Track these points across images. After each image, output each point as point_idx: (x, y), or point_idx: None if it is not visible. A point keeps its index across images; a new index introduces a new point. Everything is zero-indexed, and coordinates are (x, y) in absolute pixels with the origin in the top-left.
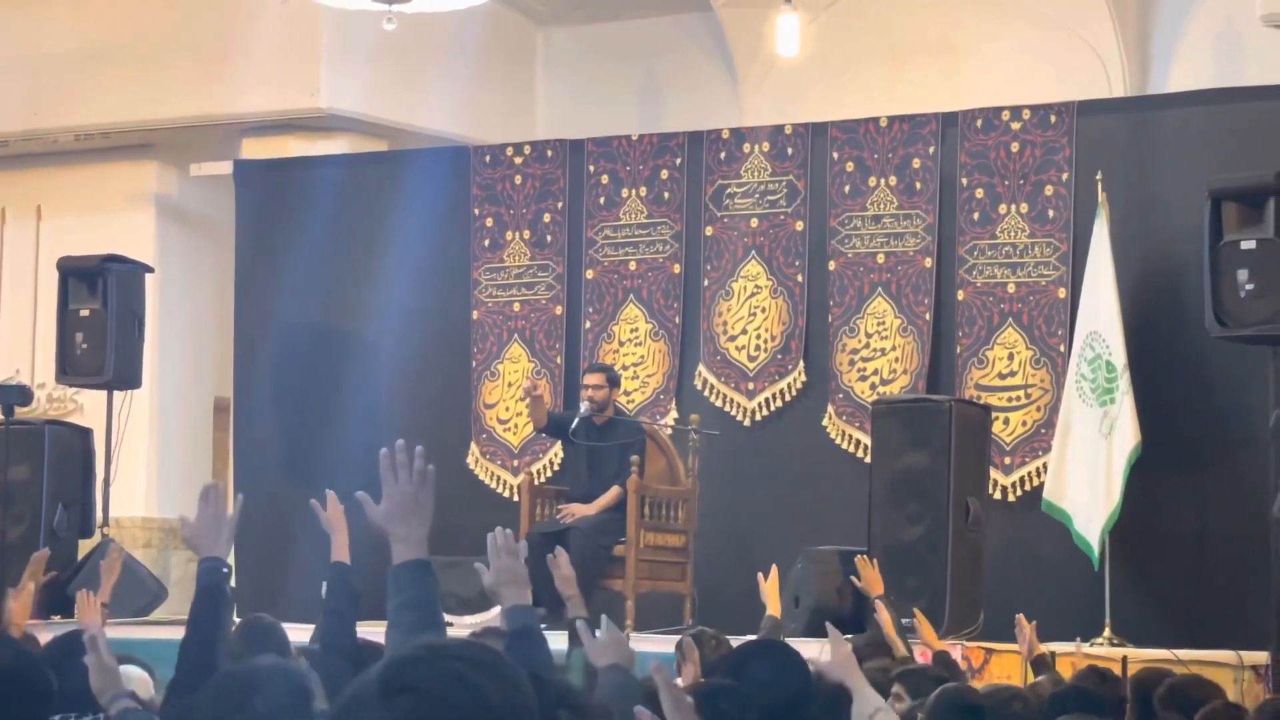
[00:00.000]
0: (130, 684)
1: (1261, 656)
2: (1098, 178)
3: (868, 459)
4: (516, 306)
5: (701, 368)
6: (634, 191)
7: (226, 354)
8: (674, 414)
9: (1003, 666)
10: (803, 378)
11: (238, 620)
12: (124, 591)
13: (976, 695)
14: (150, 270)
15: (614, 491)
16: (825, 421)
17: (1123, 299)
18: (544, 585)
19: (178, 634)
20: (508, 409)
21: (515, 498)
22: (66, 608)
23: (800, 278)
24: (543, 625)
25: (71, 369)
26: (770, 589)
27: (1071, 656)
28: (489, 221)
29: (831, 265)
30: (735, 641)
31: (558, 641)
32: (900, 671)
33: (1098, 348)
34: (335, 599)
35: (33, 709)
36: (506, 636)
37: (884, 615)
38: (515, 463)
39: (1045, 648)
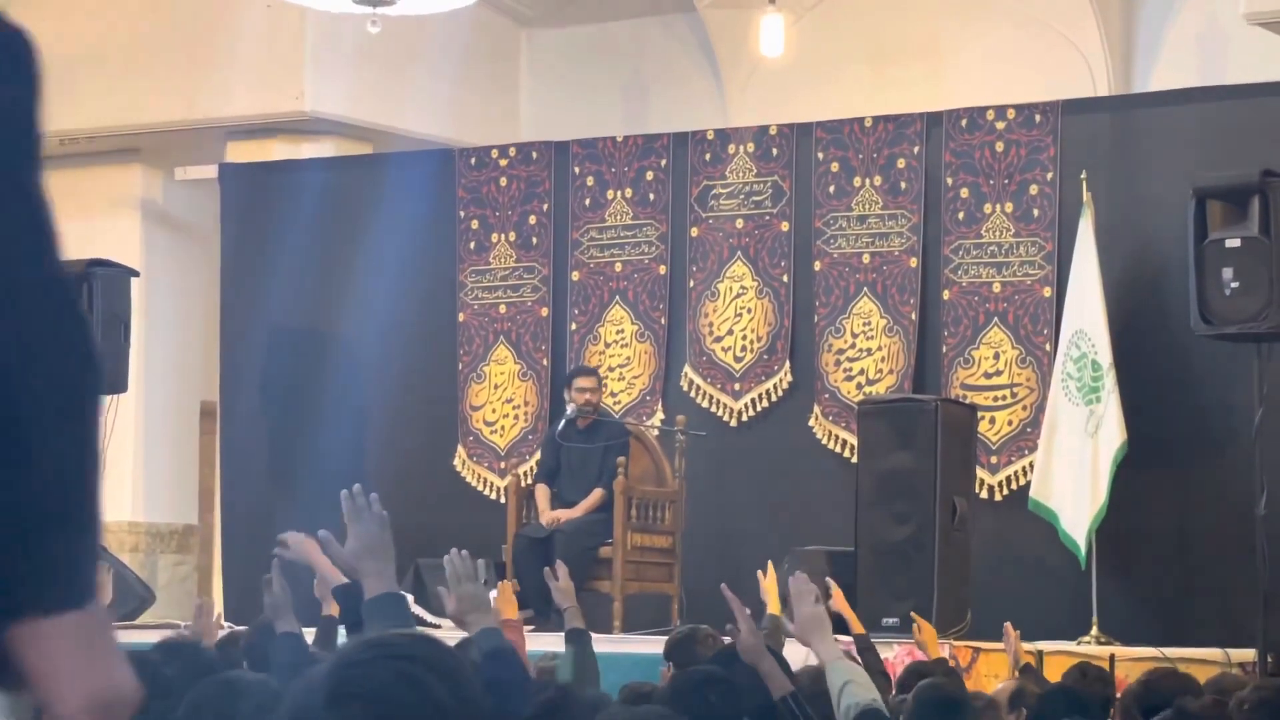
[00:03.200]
0: None
1: (1248, 654)
2: (1082, 177)
3: (854, 459)
4: (502, 309)
5: (687, 369)
6: (619, 193)
7: (212, 358)
8: (660, 415)
9: (990, 665)
10: (789, 378)
11: (247, 626)
12: (112, 596)
13: (962, 691)
14: (136, 274)
15: (597, 494)
16: (812, 422)
17: (1108, 298)
18: (531, 587)
19: (165, 638)
20: (494, 411)
21: (502, 500)
22: None
23: (786, 278)
24: (530, 628)
25: None
26: (770, 586)
27: (1059, 655)
28: (474, 224)
29: (817, 265)
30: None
31: (546, 643)
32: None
33: (1083, 346)
34: (358, 620)
35: None
36: (480, 659)
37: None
38: (502, 465)
39: (1036, 647)
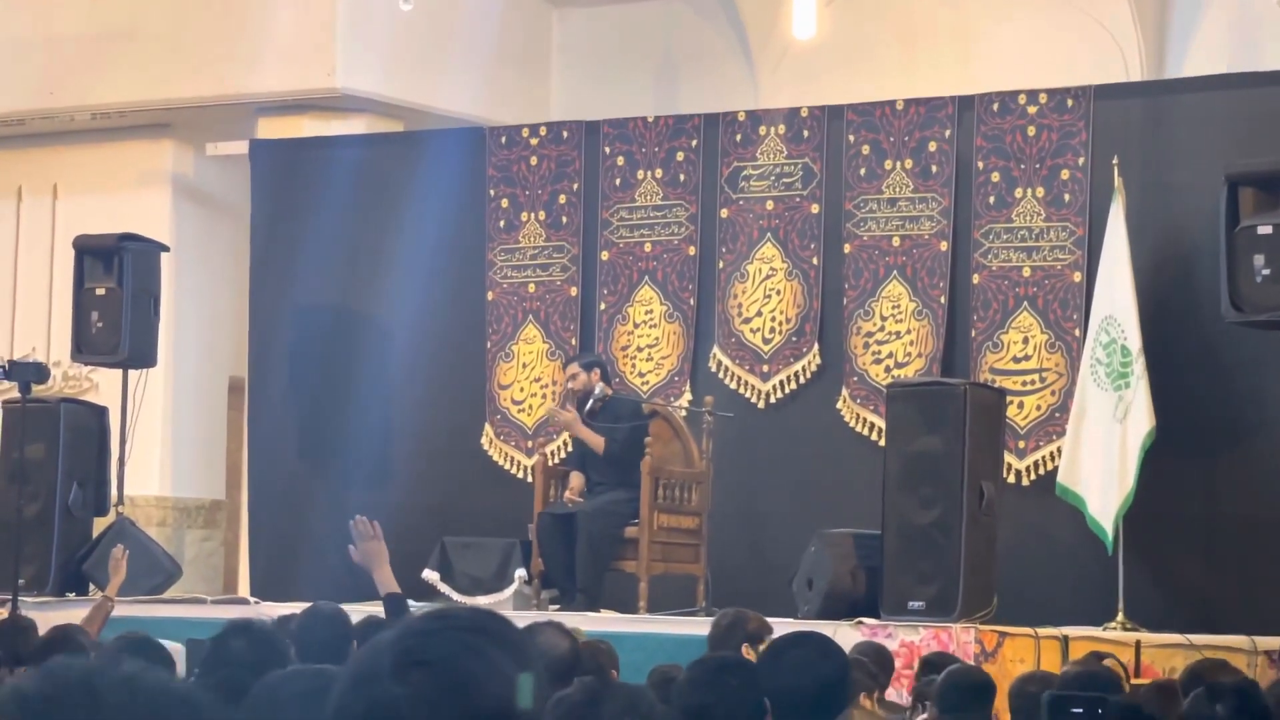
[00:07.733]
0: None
1: (1275, 641)
2: (1114, 162)
3: (882, 442)
4: (531, 288)
5: (716, 350)
6: (649, 173)
7: (242, 333)
8: (688, 396)
9: (1016, 650)
10: (817, 360)
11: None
12: (139, 570)
13: (984, 675)
14: (166, 249)
15: (600, 440)
16: (840, 404)
17: (1138, 283)
18: (556, 565)
19: (191, 612)
20: (522, 390)
21: (529, 479)
22: (81, 586)
23: (815, 260)
24: (554, 607)
25: (87, 347)
26: None
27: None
28: (504, 203)
29: (847, 248)
30: None
31: (571, 621)
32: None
33: (1113, 332)
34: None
35: None
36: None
37: None
38: (529, 444)
39: (1061, 632)
